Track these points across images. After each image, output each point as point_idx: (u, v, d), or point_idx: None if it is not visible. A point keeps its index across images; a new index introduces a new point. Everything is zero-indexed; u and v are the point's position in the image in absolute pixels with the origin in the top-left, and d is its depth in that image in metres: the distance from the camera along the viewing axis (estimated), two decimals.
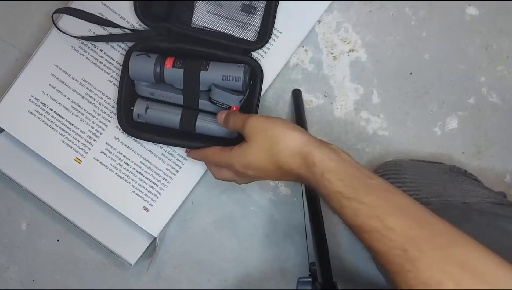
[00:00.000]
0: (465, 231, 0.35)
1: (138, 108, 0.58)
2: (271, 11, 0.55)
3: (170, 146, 0.62)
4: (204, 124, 0.57)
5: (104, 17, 0.58)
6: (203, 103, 0.56)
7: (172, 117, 0.57)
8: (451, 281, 0.32)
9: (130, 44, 0.57)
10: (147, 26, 0.56)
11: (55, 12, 0.56)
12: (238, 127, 0.50)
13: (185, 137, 0.57)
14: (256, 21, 0.57)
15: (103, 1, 0.58)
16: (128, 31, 0.58)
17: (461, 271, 0.33)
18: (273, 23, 0.56)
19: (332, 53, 0.62)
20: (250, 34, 0.57)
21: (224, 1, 0.56)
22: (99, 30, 0.59)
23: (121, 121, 0.58)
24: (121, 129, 0.59)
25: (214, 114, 0.57)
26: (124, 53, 0.58)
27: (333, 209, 0.41)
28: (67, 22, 0.58)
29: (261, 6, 0.56)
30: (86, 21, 0.57)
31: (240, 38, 0.57)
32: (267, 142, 0.46)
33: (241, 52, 0.57)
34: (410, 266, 0.34)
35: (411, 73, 0.62)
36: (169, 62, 0.55)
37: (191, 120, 0.57)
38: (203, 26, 0.57)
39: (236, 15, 0.57)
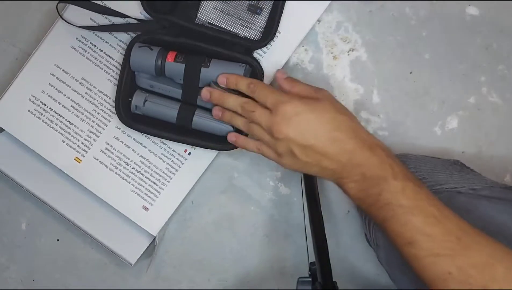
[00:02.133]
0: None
1: (137, 100, 0.58)
2: (277, 12, 0.55)
3: (169, 146, 0.62)
4: (200, 120, 0.57)
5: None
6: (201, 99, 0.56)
7: (169, 111, 0.57)
8: (499, 262, 0.37)
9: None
10: (152, 17, 0.56)
11: (59, 2, 0.56)
12: (309, 90, 0.50)
13: (181, 132, 0.57)
14: (261, 21, 0.57)
15: None
16: (132, 22, 0.57)
17: (505, 253, 0.38)
18: (278, 24, 0.55)
19: (332, 53, 0.62)
20: (254, 34, 0.57)
21: (231, 0, 0.56)
22: (102, 23, 0.58)
23: (119, 111, 0.58)
24: (120, 125, 0.59)
25: (211, 110, 0.57)
26: (124, 52, 0.58)
27: (393, 187, 0.44)
28: (70, 16, 0.58)
29: (267, 7, 0.56)
30: (90, 10, 0.56)
31: (243, 36, 0.57)
32: (348, 114, 0.49)
33: (244, 51, 0.57)
34: (463, 250, 0.39)
35: (411, 73, 0.62)
36: (171, 56, 0.55)
37: (188, 115, 0.57)
38: (208, 22, 0.57)
39: (241, 14, 0.57)
